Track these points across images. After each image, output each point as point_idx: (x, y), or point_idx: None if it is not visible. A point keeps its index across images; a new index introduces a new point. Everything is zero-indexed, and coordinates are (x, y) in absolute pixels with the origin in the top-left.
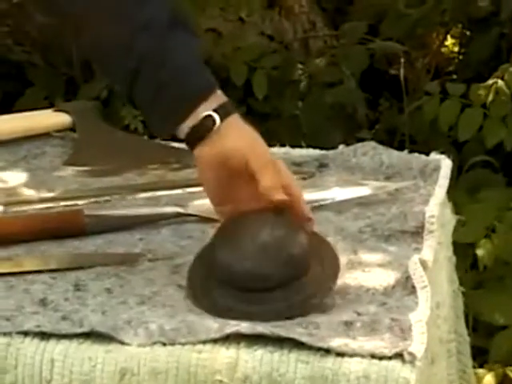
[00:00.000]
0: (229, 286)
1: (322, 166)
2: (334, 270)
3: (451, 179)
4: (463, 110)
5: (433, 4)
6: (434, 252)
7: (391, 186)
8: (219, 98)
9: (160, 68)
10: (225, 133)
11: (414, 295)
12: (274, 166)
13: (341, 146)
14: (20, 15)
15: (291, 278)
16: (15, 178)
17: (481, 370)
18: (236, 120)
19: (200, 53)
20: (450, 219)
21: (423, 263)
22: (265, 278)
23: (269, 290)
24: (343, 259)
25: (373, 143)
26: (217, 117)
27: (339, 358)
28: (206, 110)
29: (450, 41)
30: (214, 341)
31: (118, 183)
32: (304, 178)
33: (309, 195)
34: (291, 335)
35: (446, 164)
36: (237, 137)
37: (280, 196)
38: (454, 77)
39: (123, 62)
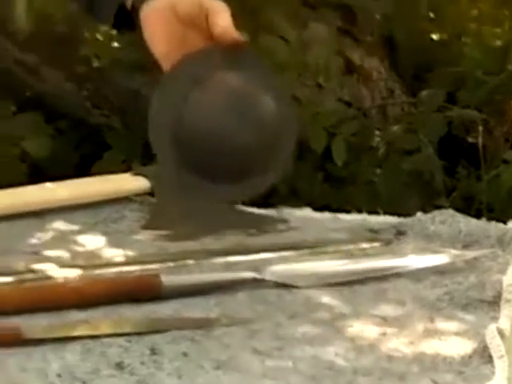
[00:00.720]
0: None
1: (400, 233)
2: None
3: None
4: None
5: None
6: (511, 321)
7: (469, 254)
8: None
9: None
10: None
11: (491, 364)
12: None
13: (418, 213)
14: (99, 79)
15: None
16: (93, 241)
17: None
18: None
19: None
20: None
21: (500, 332)
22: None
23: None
24: (420, 327)
25: (451, 211)
26: None
27: None
28: None
29: None
30: None
31: (194, 248)
32: (381, 245)
33: (386, 262)
34: None
35: None
36: None
37: (238, 35)
38: None
39: None
